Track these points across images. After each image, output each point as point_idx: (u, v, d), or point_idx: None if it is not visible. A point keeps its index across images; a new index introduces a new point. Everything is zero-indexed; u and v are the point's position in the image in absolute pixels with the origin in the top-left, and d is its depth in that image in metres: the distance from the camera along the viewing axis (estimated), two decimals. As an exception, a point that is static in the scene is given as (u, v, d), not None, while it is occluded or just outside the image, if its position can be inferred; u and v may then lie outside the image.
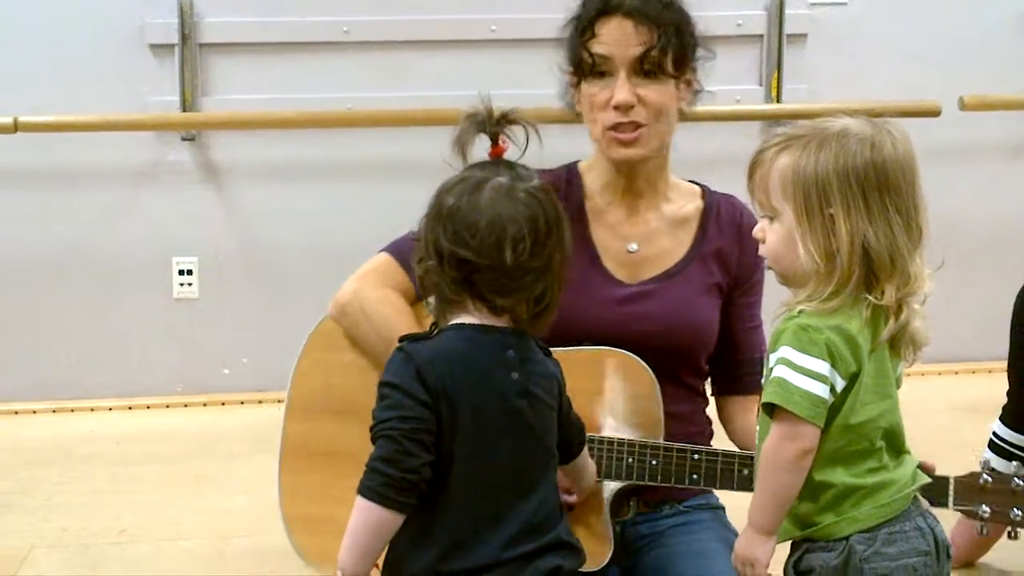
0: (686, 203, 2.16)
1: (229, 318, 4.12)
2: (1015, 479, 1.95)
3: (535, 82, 3.97)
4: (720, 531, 2.08)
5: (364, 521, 1.63)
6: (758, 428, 1.79)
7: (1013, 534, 1.97)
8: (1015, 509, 1.94)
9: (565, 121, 2.32)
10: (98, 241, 4.03)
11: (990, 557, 2.86)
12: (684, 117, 2.11)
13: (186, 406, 4.05)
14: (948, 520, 2.01)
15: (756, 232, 1.77)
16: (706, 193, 2.18)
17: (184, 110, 3.95)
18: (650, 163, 2.10)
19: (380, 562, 1.71)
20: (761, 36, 4.17)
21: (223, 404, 4.06)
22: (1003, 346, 2.74)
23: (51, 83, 3.90)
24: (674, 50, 2.03)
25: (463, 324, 1.69)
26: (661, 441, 1.98)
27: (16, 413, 3.98)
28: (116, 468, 3.53)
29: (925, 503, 1.82)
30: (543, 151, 1.77)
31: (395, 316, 2.04)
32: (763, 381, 1.76)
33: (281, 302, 4.08)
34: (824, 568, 1.72)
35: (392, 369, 1.66)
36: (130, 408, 4.02)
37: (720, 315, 2.12)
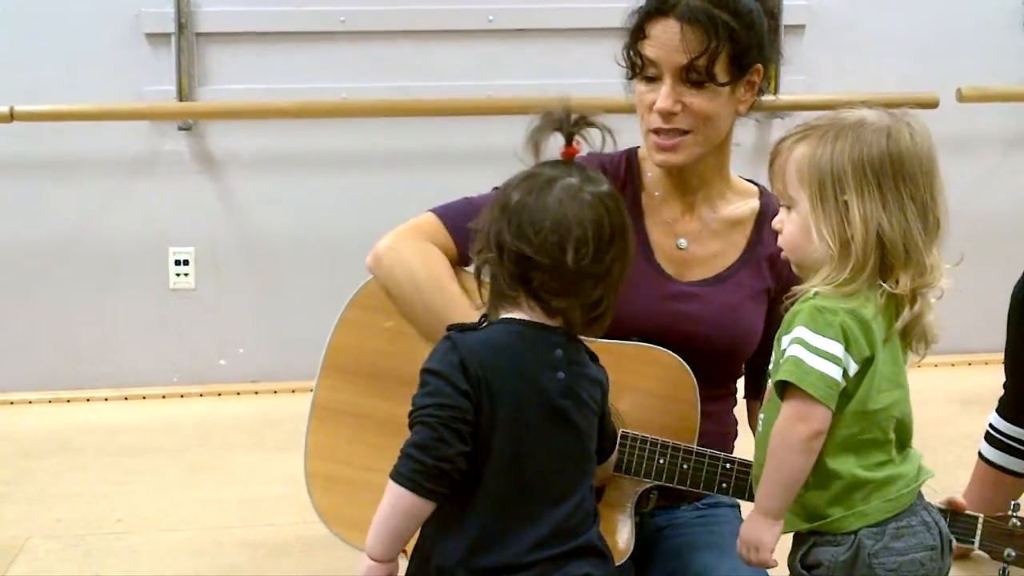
0: (743, 203, 2.13)
1: (225, 308, 4.11)
2: None
3: (532, 72, 4.00)
4: (736, 526, 2.07)
5: (394, 506, 1.61)
6: (762, 415, 1.79)
7: (1007, 572, 1.97)
8: None
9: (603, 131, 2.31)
10: (94, 231, 4.02)
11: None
12: (747, 111, 2.07)
13: (182, 396, 4.05)
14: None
15: (775, 223, 1.76)
16: (763, 193, 2.15)
17: (180, 99, 3.94)
18: (700, 163, 2.06)
19: (408, 548, 1.70)
20: (758, 27, 4.16)
21: (219, 395, 4.05)
22: (1000, 338, 2.74)
23: (47, 72, 3.89)
24: (729, 55, 1.96)
25: (514, 319, 1.68)
26: (695, 446, 1.98)
27: (12, 403, 3.97)
28: (112, 458, 3.53)
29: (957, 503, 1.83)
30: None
31: (435, 274, 1.99)
32: (771, 366, 1.75)
33: (277, 292, 4.08)
34: (833, 563, 1.72)
35: (436, 357, 1.65)
36: (126, 399, 4.02)
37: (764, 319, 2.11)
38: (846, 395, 1.69)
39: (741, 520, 2.10)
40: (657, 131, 2.00)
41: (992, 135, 4.35)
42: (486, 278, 1.70)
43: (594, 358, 1.74)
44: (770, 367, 1.76)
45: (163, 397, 4.04)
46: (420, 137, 4.06)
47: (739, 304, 2.07)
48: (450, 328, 1.69)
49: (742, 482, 1.95)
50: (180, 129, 4.01)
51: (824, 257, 1.69)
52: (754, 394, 2.18)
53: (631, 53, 2.01)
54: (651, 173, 2.11)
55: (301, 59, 4.02)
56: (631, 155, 2.13)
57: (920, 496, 1.77)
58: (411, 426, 1.63)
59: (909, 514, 1.73)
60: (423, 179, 3.91)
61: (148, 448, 3.61)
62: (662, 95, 1.97)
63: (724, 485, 1.96)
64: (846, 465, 1.71)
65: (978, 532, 1.94)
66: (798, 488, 1.70)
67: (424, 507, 1.62)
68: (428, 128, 4.04)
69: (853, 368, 1.68)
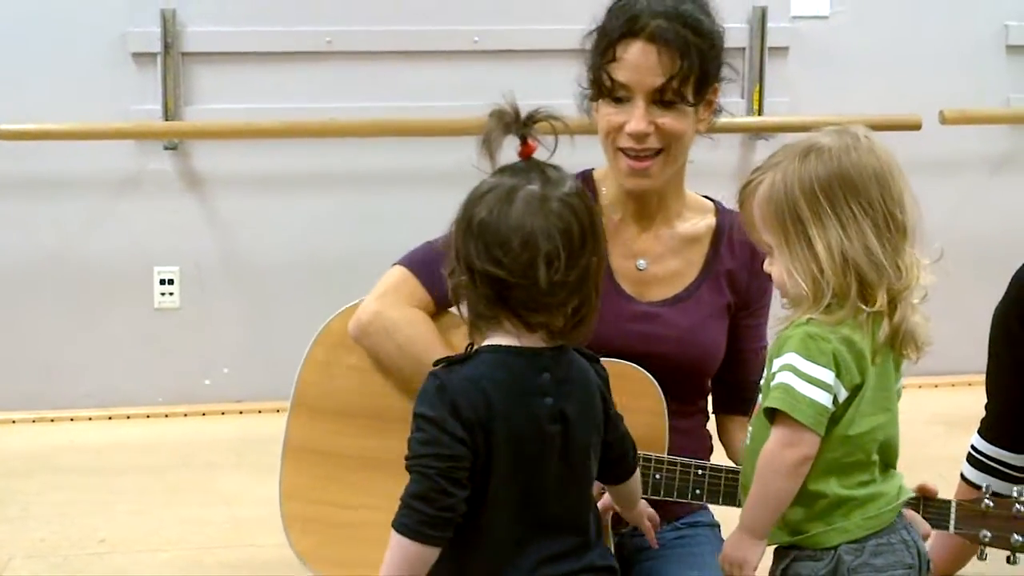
0: (699, 220, 2.13)
1: (210, 328, 4.10)
2: (1016, 505, 1.95)
3: (518, 93, 4.00)
4: (717, 545, 2.07)
5: (401, 557, 1.61)
6: (750, 428, 1.80)
7: (1013, 559, 1.97)
8: (1015, 535, 1.94)
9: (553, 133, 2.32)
10: (79, 250, 4.01)
11: (968, 571, 2.87)
12: (705, 130, 2.09)
13: (166, 416, 4.03)
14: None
15: (766, 267, 1.78)
16: (719, 210, 2.15)
17: (166, 119, 3.94)
18: (662, 185, 2.07)
19: None
20: (743, 49, 4.18)
21: (203, 414, 4.04)
22: (984, 359, 2.75)
23: (32, 91, 3.88)
24: (696, 78, 1.99)
25: (498, 346, 1.64)
26: (666, 455, 1.98)
27: (-5, 423, 3.96)
28: (96, 478, 3.52)
29: (916, 517, 1.82)
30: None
31: (420, 336, 2.02)
32: (762, 382, 1.76)
33: (262, 312, 4.08)
34: None
35: (427, 400, 1.62)
36: (110, 418, 4.00)
37: (727, 335, 2.12)
38: (833, 420, 1.70)
39: (721, 540, 2.11)
40: (627, 152, 2.01)
41: (974, 157, 4.37)
42: (462, 298, 1.67)
43: (592, 359, 1.72)
44: (761, 383, 1.77)
45: (147, 417, 4.02)
46: (407, 157, 4.06)
47: (700, 323, 2.08)
48: (436, 363, 1.67)
49: (715, 487, 1.96)
50: (165, 148, 4.01)
51: (801, 297, 1.71)
52: (724, 408, 2.18)
53: (602, 75, 2.01)
54: (609, 194, 2.11)
55: (287, 79, 4.03)
56: (586, 177, 2.13)
57: (900, 515, 1.78)
58: (408, 471, 1.62)
59: (889, 532, 1.75)
60: (410, 199, 3.91)
61: (132, 468, 3.60)
62: (636, 117, 1.98)
63: (698, 492, 1.96)
64: (828, 486, 1.72)
65: (952, 517, 1.94)
66: (784, 509, 1.72)
67: (431, 554, 1.61)
68: (414, 148, 4.05)
69: (843, 395, 1.69)
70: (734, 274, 2.10)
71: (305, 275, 4.02)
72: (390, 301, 2.03)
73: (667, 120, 1.99)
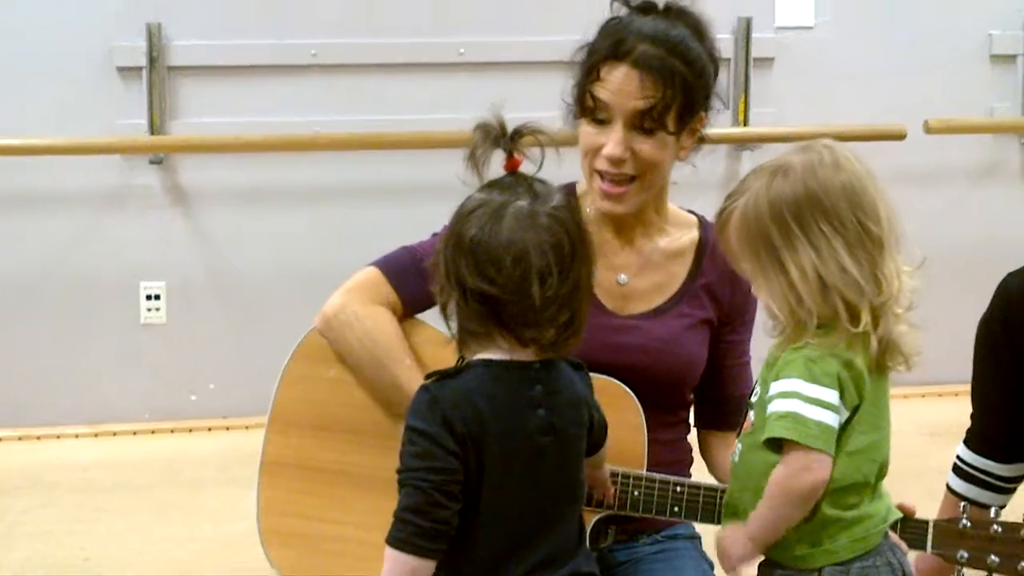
0: (682, 235, 2.12)
1: (196, 343, 4.10)
2: (994, 525, 1.95)
3: (503, 105, 4.01)
4: (697, 561, 2.07)
5: (397, 572, 1.61)
6: (739, 445, 1.78)
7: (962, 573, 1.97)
8: (992, 555, 1.93)
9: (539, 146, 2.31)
10: (65, 265, 4.00)
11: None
12: (683, 159, 2.07)
13: (153, 432, 4.02)
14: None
15: (754, 291, 1.76)
16: (703, 224, 2.13)
17: (152, 133, 3.94)
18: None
19: None
20: (728, 60, 4.19)
21: (190, 430, 4.03)
22: (969, 369, 2.75)
23: (18, 105, 3.88)
24: (679, 107, 1.96)
25: (490, 361, 1.65)
26: (644, 472, 1.97)
27: (-20, 440, 3.94)
28: (82, 496, 3.50)
29: (894, 536, 1.81)
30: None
31: (382, 333, 2.01)
32: (752, 397, 1.76)
33: (249, 327, 4.07)
34: None
35: (419, 413, 1.63)
36: (96, 435, 3.99)
37: (709, 349, 2.10)
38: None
39: (701, 553, 2.10)
40: (603, 175, 1.99)
41: (959, 167, 4.38)
42: (451, 314, 1.67)
43: (577, 367, 1.73)
44: (753, 399, 1.76)
45: (134, 433, 4.01)
46: (392, 170, 4.06)
47: (678, 335, 2.06)
48: (428, 377, 1.67)
49: (694, 504, 1.94)
50: (151, 163, 4.01)
51: (783, 325, 1.69)
52: (706, 424, 2.18)
53: (585, 94, 1.99)
54: (590, 210, 2.08)
55: (272, 93, 4.03)
56: (569, 191, 2.10)
57: (886, 536, 1.76)
58: (401, 484, 1.62)
59: (875, 554, 1.72)
60: (396, 212, 3.91)
61: (118, 485, 3.58)
62: (613, 141, 1.95)
63: (676, 509, 1.95)
64: (819, 506, 1.69)
65: (929, 536, 1.93)
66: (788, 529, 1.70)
67: (427, 567, 1.62)
68: (400, 161, 4.05)
69: (844, 416, 1.68)
70: (714, 287, 2.09)
71: (292, 289, 4.01)
72: (356, 296, 2.03)
73: (645, 147, 1.96)
